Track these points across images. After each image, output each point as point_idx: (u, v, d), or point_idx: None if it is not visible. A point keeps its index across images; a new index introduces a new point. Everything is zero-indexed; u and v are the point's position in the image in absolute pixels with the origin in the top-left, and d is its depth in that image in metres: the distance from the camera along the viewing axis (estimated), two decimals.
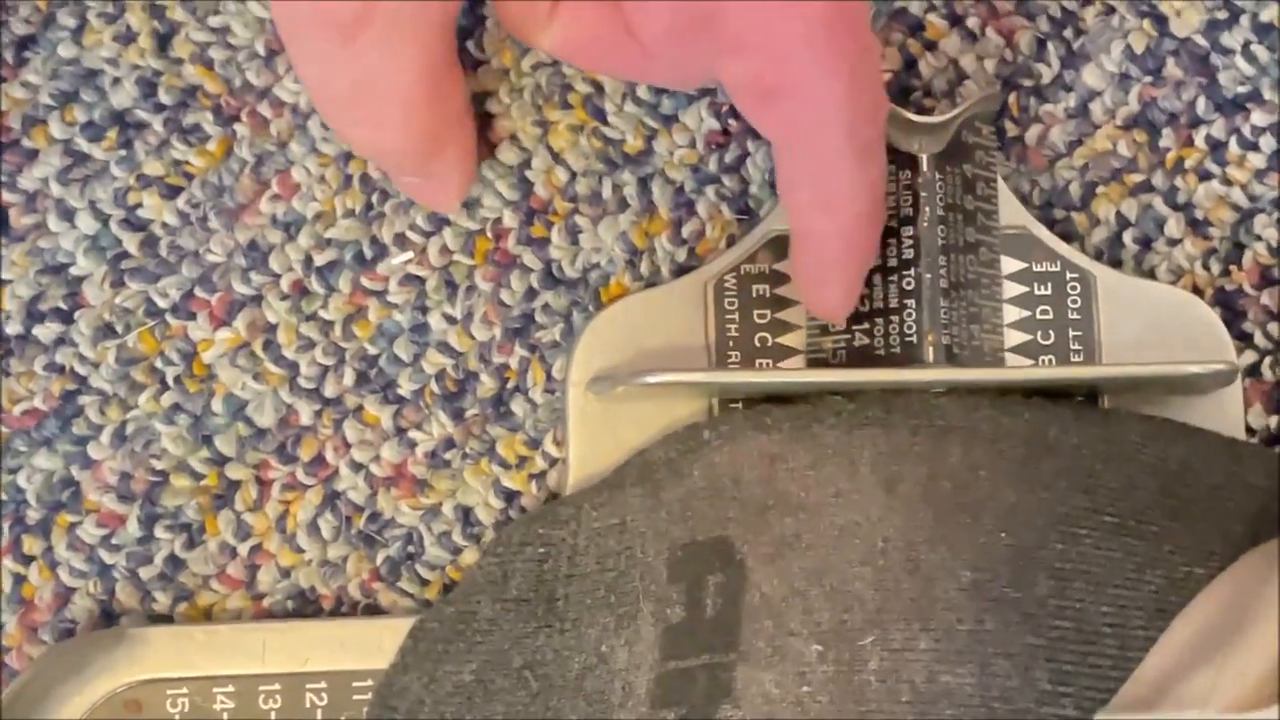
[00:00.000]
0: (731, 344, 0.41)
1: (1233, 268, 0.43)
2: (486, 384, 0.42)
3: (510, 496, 0.42)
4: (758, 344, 0.42)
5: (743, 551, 0.38)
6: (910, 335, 0.40)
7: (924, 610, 0.37)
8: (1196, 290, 0.43)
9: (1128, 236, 0.43)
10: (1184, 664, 0.36)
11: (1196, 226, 0.43)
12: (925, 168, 0.41)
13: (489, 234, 0.42)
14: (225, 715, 0.40)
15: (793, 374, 0.41)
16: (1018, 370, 0.41)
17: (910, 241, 0.41)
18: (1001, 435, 0.39)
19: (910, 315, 0.40)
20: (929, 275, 0.40)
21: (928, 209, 0.41)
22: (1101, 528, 0.38)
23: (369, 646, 0.40)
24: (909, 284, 0.41)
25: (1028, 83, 0.43)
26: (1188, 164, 0.43)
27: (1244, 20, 0.43)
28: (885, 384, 0.40)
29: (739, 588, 0.38)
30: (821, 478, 0.39)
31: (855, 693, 0.37)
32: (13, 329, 0.42)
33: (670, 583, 0.39)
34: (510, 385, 0.42)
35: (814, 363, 0.41)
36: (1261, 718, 0.33)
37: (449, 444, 0.42)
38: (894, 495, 0.38)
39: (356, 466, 0.42)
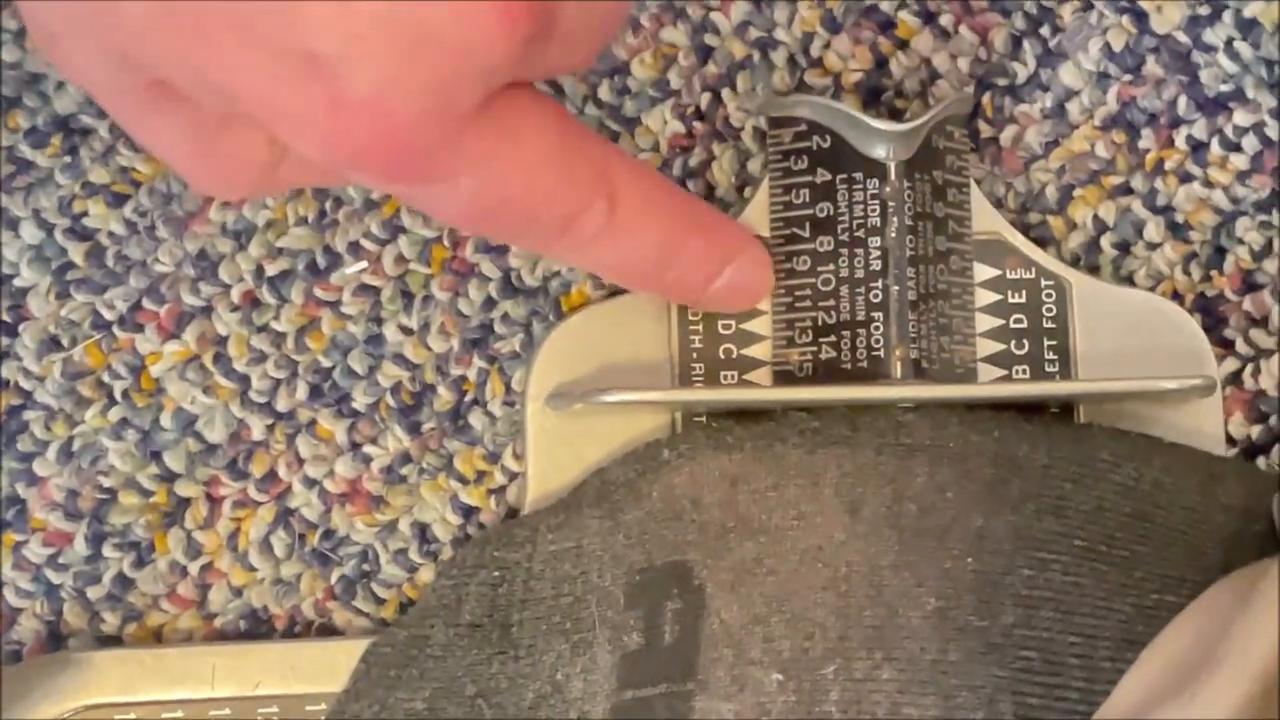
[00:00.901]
0: (695, 355, 0.40)
1: (1214, 273, 0.42)
2: (444, 396, 0.41)
3: (468, 512, 0.41)
4: (722, 355, 0.40)
5: (702, 576, 0.37)
6: (877, 349, 0.39)
7: (887, 639, 0.36)
8: (1176, 296, 0.42)
9: (1105, 241, 0.42)
10: (1152, 699, 0.35)
11: (1177, 230, 0.42)
12: (893, 176, 0.40)
13: (446, 242, 0.41)
14: None
15: (754, 392, 0.40)
16: (986, 387, 0.40)
17: (878, 253, 0.39)
18: (970, 454, 0.38)
19: (878, 329, 0.39)
20: (897, 288, 0.39)
21: (895, 219, 0.39)
22: (1070, 552, 0.37)
23: (321, 669, 0.39)
24: (876, 296, 0.39)
25: (1002, 82, 0.42)
26: (1168, 165, 0.42)
27: (1227, 16, 0.42)
28: (849, 401, 0.39)
29: (698, 614, 0.37)
30: (783, 500, 0.38)
31: None
32: None
33: (627, 609, 0.38)
34: (468, 398, 0.41)
35: (780, 375, 0.40)
36: None
37: (405, 459, 0.41)
38: (857, 518, 0.37)
39: (310, 482, 0.41)
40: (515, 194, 0.35)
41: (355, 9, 0.30)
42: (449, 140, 0.33)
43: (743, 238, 0.40)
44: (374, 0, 0.30)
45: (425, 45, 0.31)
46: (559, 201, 0.35)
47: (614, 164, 0.36)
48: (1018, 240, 0.41)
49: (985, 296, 0.41)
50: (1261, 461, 0.41)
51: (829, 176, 0.40)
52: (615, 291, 0.41)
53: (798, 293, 0.40)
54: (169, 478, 0.41)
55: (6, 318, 0.41)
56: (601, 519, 0.39)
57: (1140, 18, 0.42)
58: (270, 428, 0.41)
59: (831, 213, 0.40)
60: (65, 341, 0.41)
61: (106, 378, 0.41)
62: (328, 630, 0.40)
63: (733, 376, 0.40)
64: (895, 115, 0.42)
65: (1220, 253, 0.42)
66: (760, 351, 0.40)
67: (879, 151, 0.40)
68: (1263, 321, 0.42)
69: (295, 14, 0.30)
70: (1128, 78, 0.42)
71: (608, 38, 0.35)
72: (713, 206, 0.41)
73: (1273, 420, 0.41)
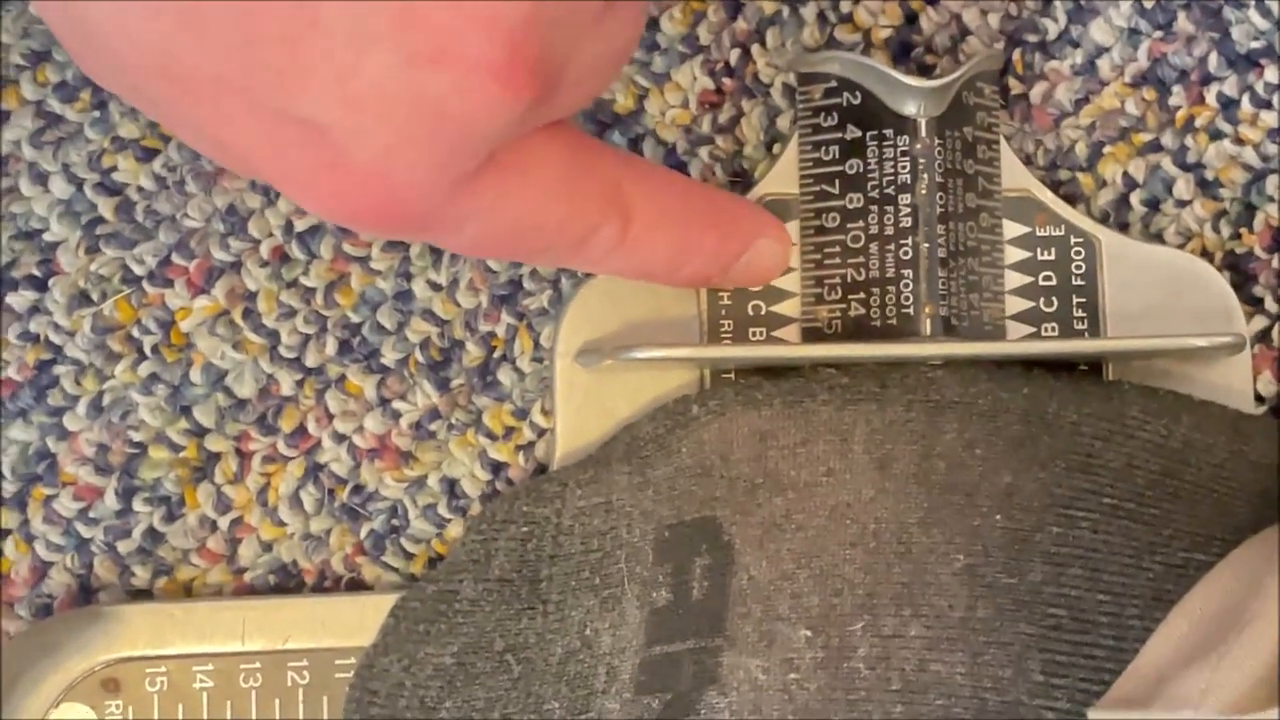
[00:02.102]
0: (724, 312, 0.40)
1: (1243, 230, 0.42)
2: (472, 353, 0.41)
3: (497, 468, 0.41)
4: (751, 312, 0.40)
5: (731, 532, 0.37)
6: (907, 306, 0.39)
7: (915, 595, 0.36)
8: (1206, 253, 0.42)
9: (1135, 198, 0.42)
10: (1180, 659, 0.35)
11: (1206, 187, 0.42)
12: (924, 133, 0.39)
13: None
14: (205, 694, 0.39)
15: (783, 349, 0.40)
16: (1015, 344, 0.40)
17: (907, 210, 0.39)
18: (999, 411, 0.38)
19: (907, 286, 0.39)
20: (926, 245, 0.39)
21: (925, 176, 0.39)
22: (1099, 510, 0.37)
23: (351, 624, 0.39)
24: (906, 253, 0.39)
25: (1033, 38, 0.42)
26: (1198, 122, 0.42)
27: None
28: (878, 358, 0.39)
29: (726, 570, 0.37)
30: (812, 456, 0.38)
31: (844, 680, 0.36)
32: None
33: (656, 564, 0.38)
34: (497, 354, 0.41)
35: (809, 332, 0.40)
36: None
37: (434, 414, 0.41)
38: (887, 475, 0.37)
39: (339, 438, 0.41)
40: (525, 229, 0.35)
41: (355, 79, 0.30)
42: (451, 197, 0.33)
43: (760, 222, 0.40)
44: (374, 70, 0.30)
45: (426, 115, 0.31)
46: (571, 228, 0.36)
47: (625, 177, 0.36)
48: (1047, 197, 0.41)
49: (1014, 254, 0.41)
50: None
51: (859, 133, 0.40)
52: None
53: (827, 250, 0.40)
54: (199, 432, 0.41)
55: (36, 272, 0.41)
56: (630, 475, 0.39)
57: None
58: (300, 383, 0.41)
59: (861, 169, 0.40)
60: (95, 296, 0.41)
61: (136, 333, 0.41)
62: (357, 585, 0.41)
63: (761, 333, 0.40)
64: (925, 72, 0.42)
65: (1250, 210, 0.42)
66: (789, 308, 0.40)
67: (909, 108, 0.40)
68: None
69: (296, 82, 0.30)
70: (1159, 34, 0.42)
71: (616, 73, 0.35)
72: (730, 194, 0.41)
73: None
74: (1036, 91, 0.42)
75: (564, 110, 0.34)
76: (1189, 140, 0.42)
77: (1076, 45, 0.42)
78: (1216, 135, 0.42)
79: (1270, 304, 0.41)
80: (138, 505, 0.40)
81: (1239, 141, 0.42)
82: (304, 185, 0.32)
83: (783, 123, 0.42)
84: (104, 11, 0.31)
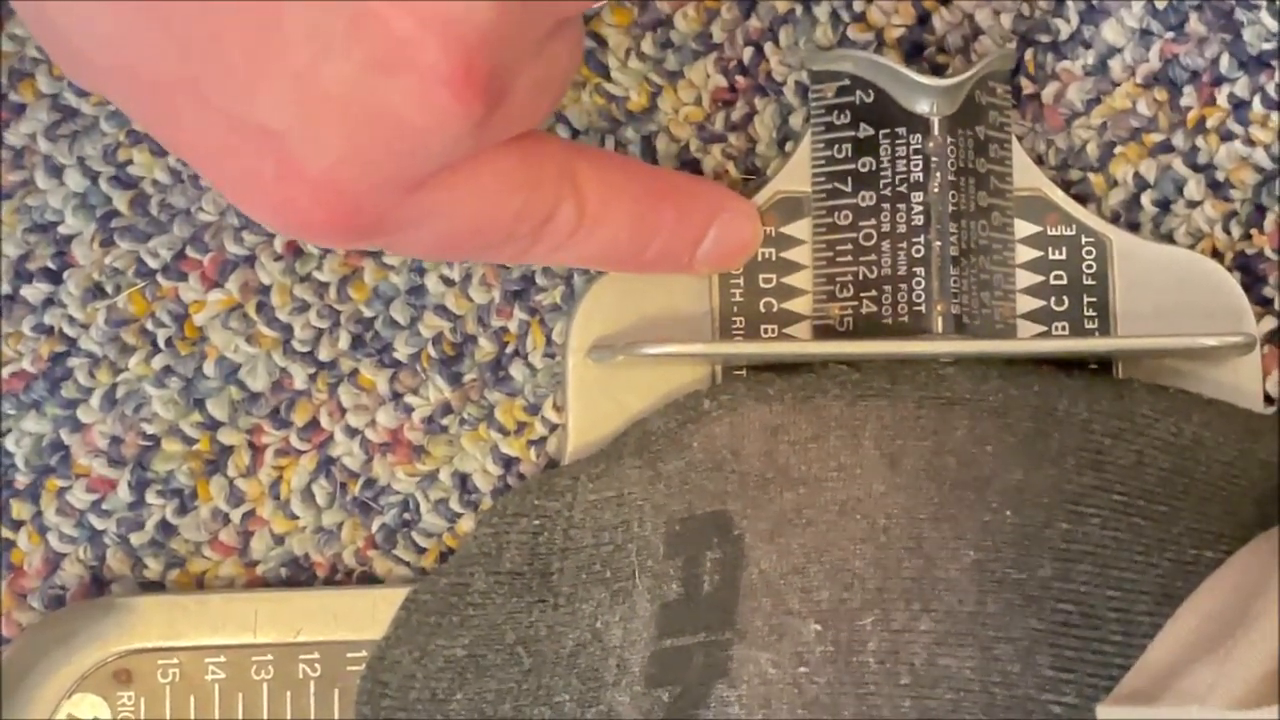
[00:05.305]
0: (736, 309, 0.41)
1: (1254, 231, 0.42)
2: (485, 348, 0.41)
3: (509, 463, 0.41)
4: (763, 309, 0.41)
5: (741, 526, 0.38)
6: (919, 304, 0.39)
7: (925, 590, 0.36)
8: (1216, 254, 0.42)
9: (1146, 198, 0.42)
10: (1188, 655, 0.35)
11: (1217, 188, 0.42)
12: (936, 131, 0.40)
13: None
14: (217, 685, 0.39)
15: (794, 346, 0.40)
16: (1026, 343, 0.40)
17: (920, 208, 0.40)
18: (1010, 408, 0.38)
19: (919, 283, 0.39)
20: (938, 243, 0.39)
21: (938, 174, 0.40)
22: (1109, 506, 0.37)
23: (362, 617, 0.39)
24: (918, 251, 0.39)
25: (1045, 38, 0.42)
26: (1209, 123, 0.42)
27: None
28: (890, 356, 0.39)
29: (737, 564, 0.37)
30: (823, 451, 0.38)
31: (854, 674, 0.36)
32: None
33: (667, 558, 0.38)
34: (509, 349, 0.41)
35: (820, 329, 0.40)
36: (1261, 717, 0.32)
37: (446, 409, 0.41)
38: (897, 470, 0.37)
39: (352, 432, 0.41)
40: (483, 224, 0.35)
41: (313, 83, 0.31)
42: (403, 203, 0.33)
43: (720, 195, 0.40)
44: (332, 76, 0.31)
45: (380, 123, 0.31)
46: (530, 213, 0.36)
47: (574, 158, 0.37)
48: (1058, 197, 0.41)
49: (1026, 253, 0.41)
50: None
51: (871, 131, 0.40)
52: None
53: (839, 247, 0.40)
54: (212, 425, 0.41)
55: (51, 265, 0.41)
56: (642, 469, 0.39)
57: None
58: (312, 377, 0.41)
59: (874, 167, 0.40)
60: (109, 289, 0.41)
61: (150, 325, 0.41)
62: (368, 578, 0.41)
63: (773, 330, 0.41)
64: (937, 71, 0.42)
65: (1261, 211, 0.42)
66: (801, 305, 0.41)
67: (922, 106, 0.40)
68: None
69: (252, 88, 0.31)
70: (1170, 35, 0.42)
71: (558, 99, 0.35)
72: (685, 173, 0.41)
73: None
74: (1048, 91, 0.42)
75: (510, 131, 0.34)
76: (1200, 141, 0.42)
77: (1088, 46, 0.42)
78: (1228, 136, 0.42)
79: None
80: (150, 498, 0.41)
81: (1250, 143, 0.42)
82: (254, 195, 0.33)
83: (795, 120, 0.42)
84: (61, 9, 0.31)
